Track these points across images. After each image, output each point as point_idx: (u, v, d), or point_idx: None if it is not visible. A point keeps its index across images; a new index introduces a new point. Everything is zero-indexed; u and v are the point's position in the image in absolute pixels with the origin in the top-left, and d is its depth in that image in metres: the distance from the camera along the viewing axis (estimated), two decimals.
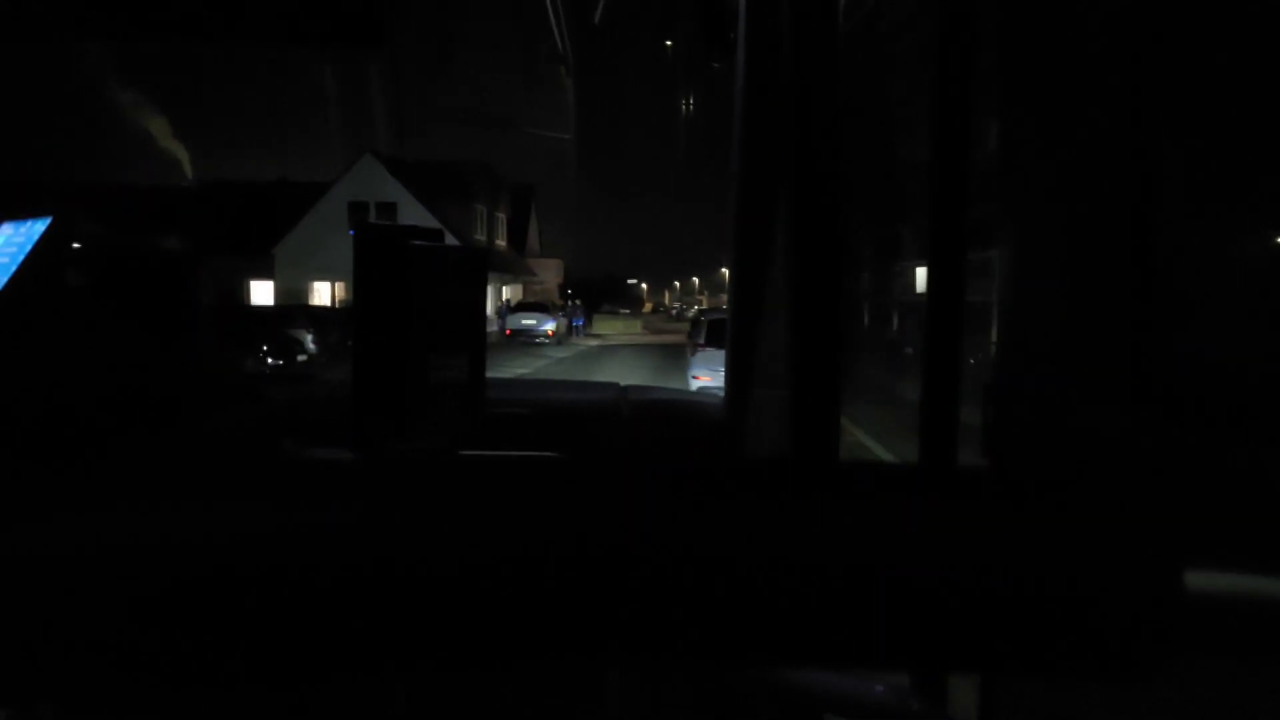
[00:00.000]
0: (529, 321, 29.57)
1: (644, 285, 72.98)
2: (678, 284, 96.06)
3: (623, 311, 51.84)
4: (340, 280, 30.35)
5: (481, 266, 1.06)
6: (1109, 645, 0.39)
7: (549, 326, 29.74)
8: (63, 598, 0.38)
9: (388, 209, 30.34)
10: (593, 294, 50.89)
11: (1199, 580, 0.40)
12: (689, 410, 1.55)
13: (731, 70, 1.19)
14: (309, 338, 19.24)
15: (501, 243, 37.74)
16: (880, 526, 0.40)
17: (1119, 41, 0.84)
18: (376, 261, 0.95)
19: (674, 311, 70.70)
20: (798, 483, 0.45)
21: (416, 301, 0.95)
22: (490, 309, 29.94)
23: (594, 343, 32.10)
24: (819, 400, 1.06)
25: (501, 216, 37.59)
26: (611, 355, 25.17)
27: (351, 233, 0.98)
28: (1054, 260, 0.86)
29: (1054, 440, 0.82)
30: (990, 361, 0.99)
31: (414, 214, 30.29)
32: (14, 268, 1.02)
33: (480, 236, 34.38)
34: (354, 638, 0.39)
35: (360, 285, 0.96)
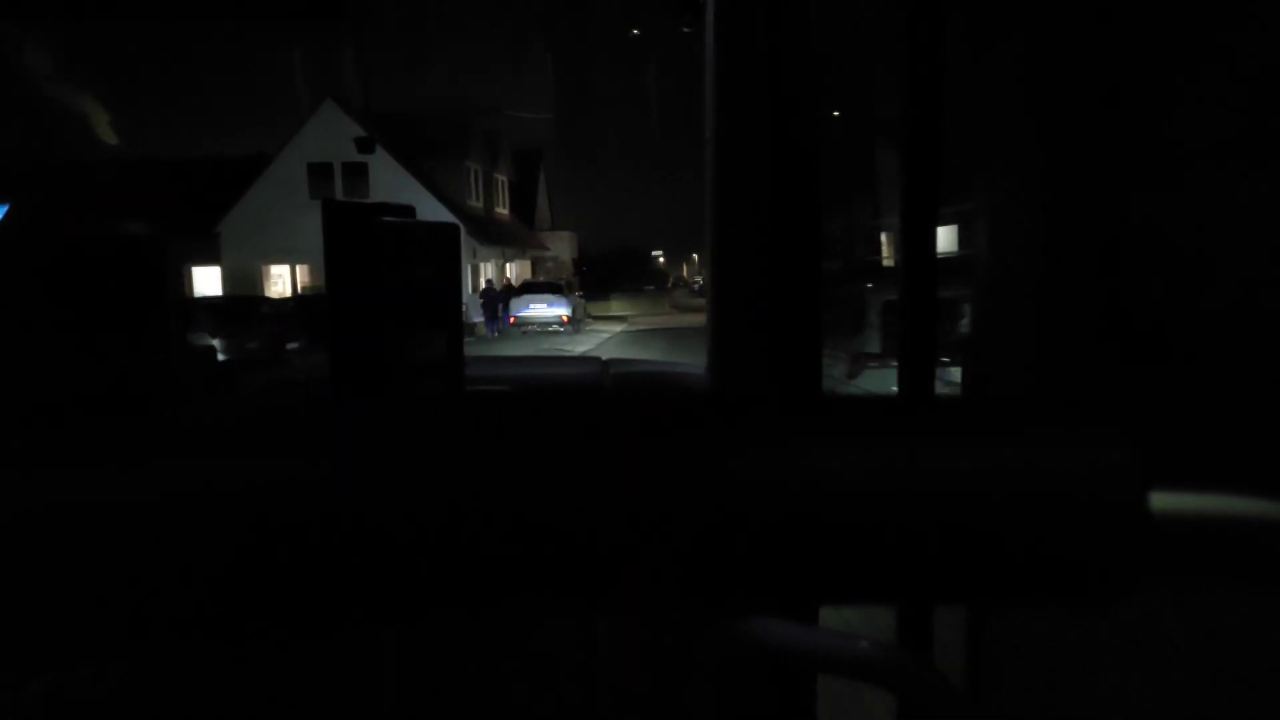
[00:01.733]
0: (535, 307, 23.59)
1: (661, 259, 66.71)
2: (695, 256, 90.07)
3: (647, 288, 46.03)
4: (305, 262, 24.30)
5: (455, 242, 1.05)
6: (1078, 569, 0.40)
7: (561, 311, 23.75)
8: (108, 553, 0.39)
9: (357, 172, 24.39)
10: (611, 270, 45.14)
11: (1165, 501, 0.41)
12: (673, 381, 1.46)
13: (701, 36, 1.19)
14: (216, 346, 13.29)
15: (503, 210, 31.65)
16: (861, 455, 0.41)
17: None
18: (346, 239, 0.94)
19: (695, 285, 65.21)
20: (778, 414, 0.44)
21: (388, 279, 0.96)
22: (471, 288, 23.91)
23: (618, 328, 26.05)
24: (799, 334, 1.08)
25: (502, 179, 31.48)
26: (646, 348, 19.18)
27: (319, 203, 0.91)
28: (1029, 198, 0.84)
29: (1027, 371, 0.82)
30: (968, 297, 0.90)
31: (390, 178, 24.39)
32: None
33: (475, 202, 28.32)
34: (377, 585, 0.40)
35: (330, 264, 0.93)
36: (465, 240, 24.26)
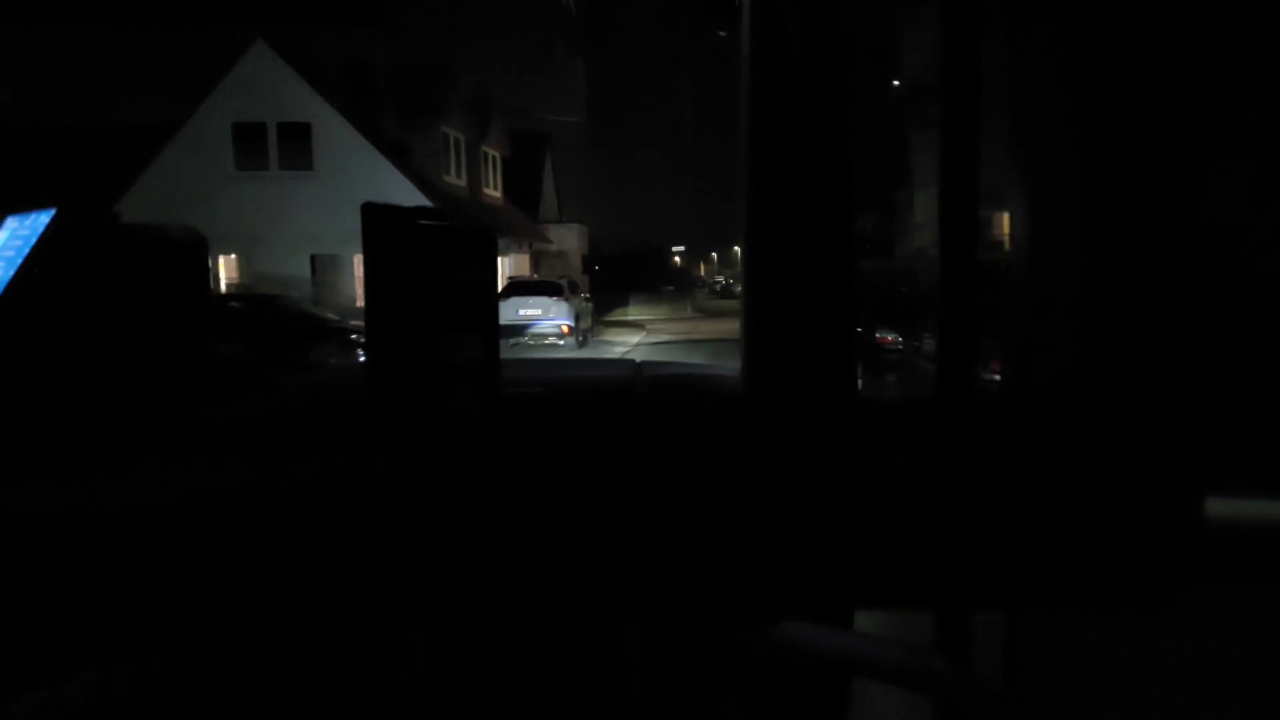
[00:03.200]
0: (526, 314, 17.85)
1: (677, 258, 60.80)
2: (715, 255, 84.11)
3: (666, 289, 40.19)
4: (233, 252, 18.63)
5: (491, 247, 1.06)
6: (1130, 574, 0.40)
7: (560, 319, 18.03)
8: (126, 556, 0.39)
9: (297, 135, 18.72)
10: (626, 268, 39.41)
11: (1219, 508, 0.41)
12: (707, 384, 1.47)
13: (738, 39, 1.18)
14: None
15: (493, 193, 25.88)
16: (901, 461, 0.40)
17: None
18: (384, 243, 0.96)
19: (718, 286, 59.62)
20: (815, 421, 0.44)
21: (425, 282, 0.97)
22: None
23: (634, 339, 20.42)
24: (834, 340, 1.07)
25: (493, 155, 25.70)
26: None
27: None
28: (1069, 198, 0.84)
29: (1073, 374, 0.81)
30: (1007, 297, 0.91)
31: (340, 142, 18.82)
32: (19, 261, 1.03)
33: (454, 178, 22.59)
34: (414, 588, 0.40)
35: (370, 268, 0.96)
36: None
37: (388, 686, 0.92)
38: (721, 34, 1.26)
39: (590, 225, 35.07)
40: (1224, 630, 0.62)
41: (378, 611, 0.40)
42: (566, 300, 18.34)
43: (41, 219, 1.05)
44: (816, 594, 0.41)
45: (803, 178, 1.05)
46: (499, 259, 25.24)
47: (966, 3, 0.82)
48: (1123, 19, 0.74)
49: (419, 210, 0.97)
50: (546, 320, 17.97)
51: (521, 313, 17.86)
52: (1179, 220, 0.72)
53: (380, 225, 0.94)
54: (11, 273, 1.00)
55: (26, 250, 1.03)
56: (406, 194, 18.78)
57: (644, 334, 22.07)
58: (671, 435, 0.41)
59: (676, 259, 59.73)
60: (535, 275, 23.47)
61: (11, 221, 1.11)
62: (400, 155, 19.83)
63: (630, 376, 1.42)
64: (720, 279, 63.79)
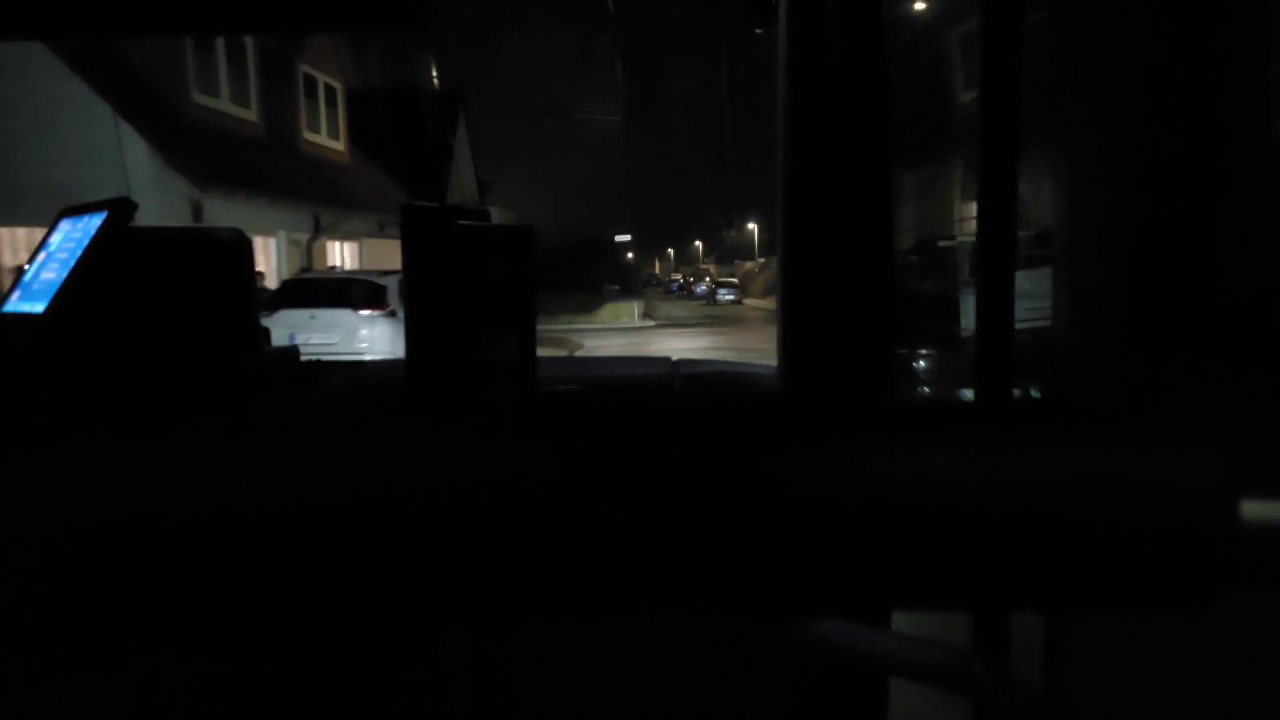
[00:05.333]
0: (316, 340, 9.10)
1: (630, 254, 52.02)
2: (671, 251, 75.08)
3: (611, 288, 31.65)
4: None
5: (529, 244, 1.06)
6: (1171, 575, 0.40)
7: (359, 342, 9.28)
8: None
9: None
10: (565, 264, 31.06)
11: (1255, 509, 0.40)
12: (743, 381, 1.45)
13: (774, 37, 1.18)
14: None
15: (328, 141, 17.06)
16: (940, 460, 0.41)
17: None
18: (422, 242, 0.97)
19: (674, 284, 51.36)
20: (854, 419, 0.45)
21: (463, 280, 0.98)
22: None
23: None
24: (871, 334, 1.06)
25: (326, 84, 16.74)
26: None
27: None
28: (1109, 192, 0.82)
29: (1111, 373, 0.80)
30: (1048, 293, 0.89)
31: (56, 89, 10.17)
32: (73, 262, 1.04)
33: (238, 109, 13.72)
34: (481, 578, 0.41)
35: (409, 266, 0.96)
36: (171, 178, 9.85)
37: (423, 681, 0.91)
38: (758, 31, 1.24)
39: (524, 212, 27.28)
40: (1265, 634, 0.61)
41: (411, 604, 0.41)
42: (389, 316, 9.64)
43: (94, 221, 1.07)
44: (853, 594, 0.41)
45: (841, 175, 1.02)
46: (334, 245, 16.26)
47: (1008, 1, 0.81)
48: (1171, 3, 0.72)
49: (458, 209, 0.99)
50: (346, 348, 9.31)
51: (300, 339, 9.10)
52: (1230, 215, 0.70)
53: (419, 225, 0.96)
54: (66, 274, 1.03)
55: (80, 252, 1.05)
56: (98, 123, 10.12)
57: (567, 350, 13.81)
58: (708, 432, 0.41)
59: (629, 255, 51.06)
60: (338, 270, 14.76)
61: (65, 224, 1.14)
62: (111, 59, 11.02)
63: (666, 374, 1.39)
64: (678, 276, 55.66)
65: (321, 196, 15.48)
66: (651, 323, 22.29)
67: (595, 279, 32.06)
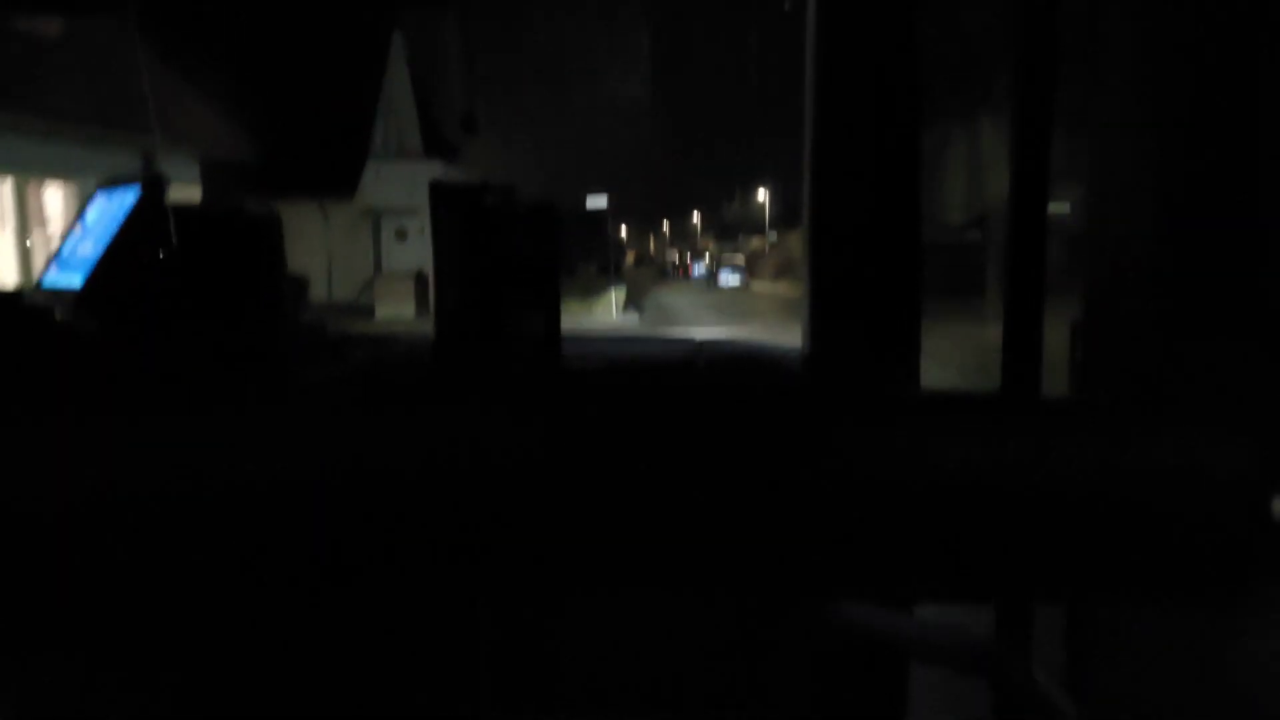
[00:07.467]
0: None
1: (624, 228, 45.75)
2: (666, 223, 67.87)
3: (587, 269, 25.61)
4: None
5: (555, 221, 1.08)
6: (1202, 567, 0.40)
7: None
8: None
9: None
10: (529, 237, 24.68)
11: None
12: (766, 360, 1.46)
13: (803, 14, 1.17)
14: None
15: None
16: (966, 447, 0.41)
17: None
18: (451, 220, 0.99)
19: (671, 265, 45.18)
20: (880, 405, 0.45)
21: (491, 257, 1.00)
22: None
23: None
24: (901, 327, 1.06)
25: None
26: None
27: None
28: (1143, 175, 0.80)
29: (1142, 366, 0.79)
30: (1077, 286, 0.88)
31: None
32: (109, 238, 1.04)
33: None
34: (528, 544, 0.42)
35: (438, 244, 0.98)
36: None
37: (448, 652, 0.93)
38: (786, 9, 1.60)
39: (489, 167, 22.74)
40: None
41: (441, 577, 0.42)
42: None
43: (128, 196, 1.08)
44: (877, 578, 0.42)
45: (868, 156, 1.02)
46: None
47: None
48: None
49: (484, 187, 1.00)
50: None
51: None
52: (1273, 207, 0.70)
53: (447, 203, 0.98)
54: (102, 249, 1.03)
55: (116, 227, 1.05)
56: None
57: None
58: (732, 414, 0.42)
59: (622, 231, 45.03)
60: None
61: (100, 198, 1.15)
62: None
63: (689, 353, 1.44)
64: (675, 254, 49.46)
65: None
66: (634, 317, 16.49)
67: (571, 258, 26.10)
